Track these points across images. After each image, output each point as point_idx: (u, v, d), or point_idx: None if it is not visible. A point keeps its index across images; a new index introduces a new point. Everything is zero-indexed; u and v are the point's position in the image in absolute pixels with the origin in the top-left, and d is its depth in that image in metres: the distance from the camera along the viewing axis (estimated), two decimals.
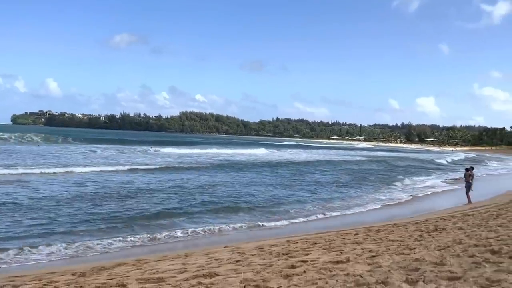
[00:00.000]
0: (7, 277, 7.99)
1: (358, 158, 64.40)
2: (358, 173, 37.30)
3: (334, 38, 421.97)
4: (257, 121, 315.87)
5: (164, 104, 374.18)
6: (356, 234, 11.60)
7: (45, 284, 6.96)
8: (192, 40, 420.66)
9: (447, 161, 62.09)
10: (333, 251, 8.63)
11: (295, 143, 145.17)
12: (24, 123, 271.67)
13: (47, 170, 25.78)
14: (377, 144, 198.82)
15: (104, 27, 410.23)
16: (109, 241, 11.89)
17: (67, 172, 26.06)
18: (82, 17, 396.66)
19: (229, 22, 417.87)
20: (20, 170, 24.96)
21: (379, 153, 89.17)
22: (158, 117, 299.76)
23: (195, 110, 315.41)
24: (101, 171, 27.99)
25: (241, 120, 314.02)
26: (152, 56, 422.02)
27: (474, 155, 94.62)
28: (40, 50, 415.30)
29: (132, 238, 12.27)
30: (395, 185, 28.84)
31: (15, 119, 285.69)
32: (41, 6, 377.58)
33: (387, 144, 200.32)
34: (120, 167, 30.66)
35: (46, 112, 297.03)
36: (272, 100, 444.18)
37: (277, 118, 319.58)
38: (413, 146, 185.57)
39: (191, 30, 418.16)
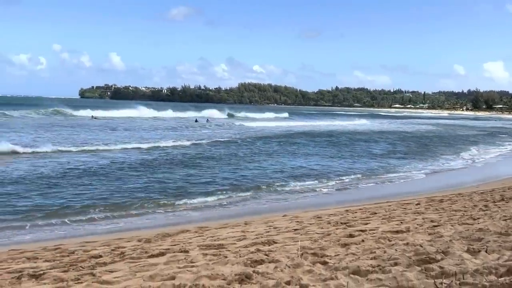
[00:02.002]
0: (79, 242, 8.52)
1: (425, 126, 62.50)
2: (425, 142, 36.31)
3: (391, 2, 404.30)
4: (315, 91, 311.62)
5: (223, 76, 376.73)
6: (418, 204, 11.35)
7: (113, 249, 7.36)
8: (246, 10, 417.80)
9: None
10: (393, 220, 8.52)
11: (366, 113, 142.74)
12: (91, 96, 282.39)
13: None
14: (441, 112, 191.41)
15: (161, 0, 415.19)
16: (176, 203, 12.44)
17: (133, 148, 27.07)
18: None
19: None
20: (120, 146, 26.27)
21: (446, 121, 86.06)
22: (218, 89, 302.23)
23: (253, 81, 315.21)
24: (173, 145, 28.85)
25: (299, 90, 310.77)
26: (209, 27, 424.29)
27: None
28: (101, 25, 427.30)
29: (193, 204, 12.72)
30: (463, 155, 27.82)
31: (82, 93, 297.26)
32: None
33: (452, 112, 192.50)
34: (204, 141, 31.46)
35: (112, 86, 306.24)
36: (330, 69, 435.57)
37: (336, 88, 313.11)
38: (481, 113, 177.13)
39: (245, 0, 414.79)
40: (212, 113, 74.78)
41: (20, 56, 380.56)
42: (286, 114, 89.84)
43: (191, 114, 70.28)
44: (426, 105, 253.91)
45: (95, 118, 55.91)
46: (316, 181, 17.06)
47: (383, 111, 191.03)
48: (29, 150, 21.57)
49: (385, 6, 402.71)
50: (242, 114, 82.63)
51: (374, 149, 29.65)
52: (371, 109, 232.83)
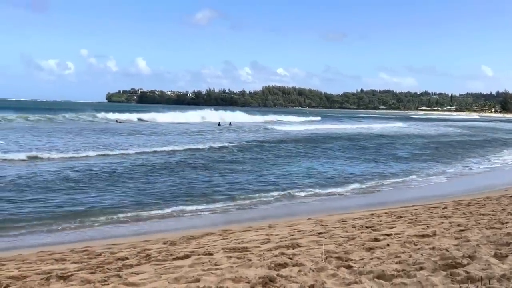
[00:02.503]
0: (106, 244, 8.68)
1: (452, 129, 61.46)
2: (454, 145, 35.80)
3: (416, 3, 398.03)
4: (340, 93, 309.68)
5: (247, 79, 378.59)
6: (445, 207, 11.18)
7: (139, 252, 7.47)
8: (270, 13, 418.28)
9: None
10: (419, 224, 8.41)
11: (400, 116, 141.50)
12: (118, 100, 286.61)
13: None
14: (471, 114, 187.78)
15: (185, 5, 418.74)
16: (200, 207, 12.58)
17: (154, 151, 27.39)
18: None
19: None
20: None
21: (477, 124, 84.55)
22: (242, 92, 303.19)
23: (277, 84, 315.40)
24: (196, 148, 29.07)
25: (324, 92, 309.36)
26: (233, 31, 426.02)
27: None
28: (127, 30, 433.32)
29: (220, 206, 12.81)
30: (493, 157, 27.28)
31: (109, 97, 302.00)
32: None
33: (481, 114, 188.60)
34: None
35: (138, 90, 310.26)
36: (354, 71, 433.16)
37: (361, 90, 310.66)
38: (510, 115, 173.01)
39: (268, 4, 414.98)
40: (236, 116, 74.87)
41: (49, 61, 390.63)
42: (318, 118, 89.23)
43: (214, 117, 70.34)
44: (454, 107, 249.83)
45: (120, 122, 56.83)
46: (342, 185, 16.96)
47: (411, 113, 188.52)
48: (57, 155, 22.03)
49: (410, 6, 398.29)
50: (272, 117, 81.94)
51: (403, 152, 29.32)
52: (398, 111, 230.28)
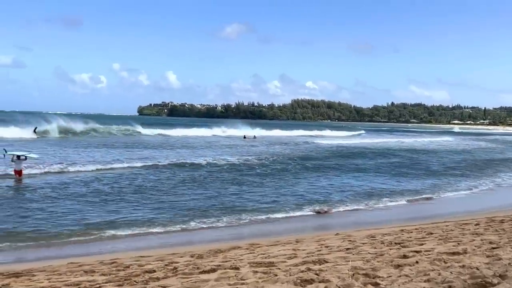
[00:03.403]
0: (134, 256, 8.79)
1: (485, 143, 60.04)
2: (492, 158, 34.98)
3: (448, 14, 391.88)
4: (370, 107, 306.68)
5: (275, 92, 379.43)
6: (477, 224, 10.89)
7: (166, 265, 7.54)
8: (298, 26, 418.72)
9: None
10: (450, 241, 8.22)
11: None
12: (149, 113, 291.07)
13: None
14: (504, 128, 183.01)
15: (214, 19, 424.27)
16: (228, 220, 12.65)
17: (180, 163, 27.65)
18: (193, 10, 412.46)
19: (333, 4, 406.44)
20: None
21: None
22: (271, 106, 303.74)
23: (306, 97, 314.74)
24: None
25: (354, 106, 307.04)
26: (261, 44, 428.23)
27: None
28: (158, 44, 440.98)
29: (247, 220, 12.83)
30: None
31: (141, 110, 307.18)
32: (152, 2, 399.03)
33: None
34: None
35: (168, 103, 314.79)
36: (384, 84, 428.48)
37: (392, 103, 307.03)
38: None
39: (296, 16, 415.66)
40: (274, 132, 73.60)
41: (82, 75, 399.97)
42: (361, 131, 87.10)
43: (247, 131, 69.86)
44: (487, 121, 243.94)
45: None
46: (373, 199, 16.77)
47: (454, 127, 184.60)
48: (94, 166, 22.55)
49: (441, 18, 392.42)
50: (314, 132, 79.55)
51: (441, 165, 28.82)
52: (429, 125, 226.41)
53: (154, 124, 78.17)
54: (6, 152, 19.27)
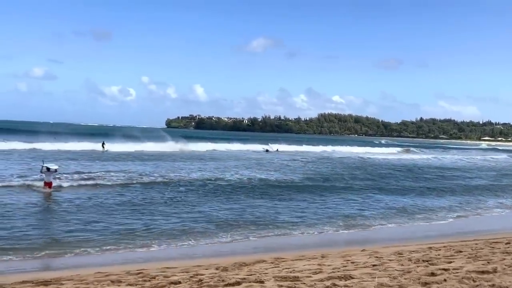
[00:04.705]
0: (160, 267, 8.86)
1: None
2: None
3: (477, 29, 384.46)
4: (398, 122, 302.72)
5: (302, 106, 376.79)
6: (508, 243, 10.62)
7: (191, 276, 7.58)
8: (325, 40, 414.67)
9: None
10: (479, 260, 8.04)
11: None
12: (177, 126, 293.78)
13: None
14: None
15: (241, 33, 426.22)
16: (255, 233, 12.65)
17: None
18: (221, 24, 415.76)
19: (360, 18, 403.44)
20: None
21: None
22: (297, 120, 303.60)
23: (333, 111, 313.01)
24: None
25: (381, 120, 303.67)
26: (288, 59, 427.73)
27: None
28: (185, 58, 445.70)
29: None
30: None
31: (169, 123, 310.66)
32: (180, 16, 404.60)
33: None
34: None
35: (196, 116, 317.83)
36: (412, 99, 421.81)
37: (421, 118, 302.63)
38: None
39: (322, 31, 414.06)
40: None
41: (112, 88, 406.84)
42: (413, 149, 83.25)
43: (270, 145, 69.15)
44: None
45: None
46: (401, 216, 16.55)
47: (480, 144, 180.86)
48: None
49: (470, 33, 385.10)
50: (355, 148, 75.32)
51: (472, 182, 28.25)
52: (459, 141, 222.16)
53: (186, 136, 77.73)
54: (43, 163, 19.57)
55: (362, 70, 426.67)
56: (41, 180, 19.39)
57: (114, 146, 48.00)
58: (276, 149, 61.41)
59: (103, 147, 46.98)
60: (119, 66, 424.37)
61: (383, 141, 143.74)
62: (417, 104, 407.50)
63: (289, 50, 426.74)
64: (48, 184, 18.97)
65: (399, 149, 79.68)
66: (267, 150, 59.31)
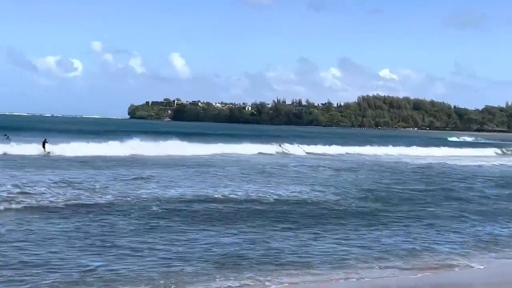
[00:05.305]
0: None
1: None
2: None
3: None
4: (480, 108, 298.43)
5: (333, 85, 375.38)
6: None
7: None
8: None
9: None
10: None
11: None
12: (145, 116, 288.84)
13: None
14: None
15: None
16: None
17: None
18: None
19: None
20: None
21: None
22: (327, 106, 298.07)
23: (381, 93, 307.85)
24: None
25: (454, 106, 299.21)
26: (312, 14, 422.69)
27: None
28: (158, 15, 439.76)
29: None
30: None
31: (133, 111, 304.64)
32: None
33: None
34: None
35: (173, 101, 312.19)
36: (501, 74, 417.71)
37: None
38: None
39: None
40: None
41: (47, 59, 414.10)
42: None
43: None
44: None
45: None
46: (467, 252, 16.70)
47: None
48: None
49: None
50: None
51: None
52: None
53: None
54: None
55: (424, 30, 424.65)
56: None
57: (59, 148, 47.79)
58: (294, 151, 61.19)
59: (44, 147, 46.71)
60: (58, 27, 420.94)
61: (466, 138, 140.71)
62: (509, 82, 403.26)
63: (313, 0, 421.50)
64: None
65: (496, 150, 77.79)
66: (283, 152, 59.33)
